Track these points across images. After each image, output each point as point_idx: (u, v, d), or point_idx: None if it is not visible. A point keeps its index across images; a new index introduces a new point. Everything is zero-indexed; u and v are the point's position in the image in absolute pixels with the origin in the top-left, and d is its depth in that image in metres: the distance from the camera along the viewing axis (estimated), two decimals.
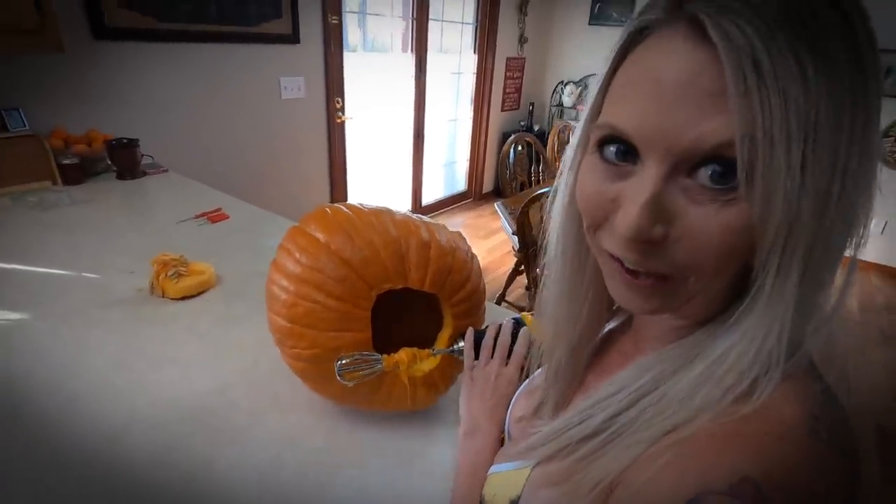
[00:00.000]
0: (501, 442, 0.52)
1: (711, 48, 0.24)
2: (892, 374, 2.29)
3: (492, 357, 0.59)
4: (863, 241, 0.28)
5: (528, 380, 0.53)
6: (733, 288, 0.29)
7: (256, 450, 0.68)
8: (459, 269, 0.68)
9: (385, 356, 0.62)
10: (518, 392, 0.53)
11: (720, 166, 0.25)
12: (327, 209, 0.68)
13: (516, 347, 0.58)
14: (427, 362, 0.67)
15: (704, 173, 0.26)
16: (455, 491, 0.50)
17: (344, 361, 0.58)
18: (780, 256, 0.26)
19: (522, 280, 2.59)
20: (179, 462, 0.65)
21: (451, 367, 0.70)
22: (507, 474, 0.39)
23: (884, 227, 3.18)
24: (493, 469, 0.42)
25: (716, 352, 0.29)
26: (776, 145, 0.24)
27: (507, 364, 0.57)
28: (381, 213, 0.67)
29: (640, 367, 0.34)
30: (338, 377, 0.58)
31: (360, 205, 0.70)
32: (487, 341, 0.60)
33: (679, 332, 0.34)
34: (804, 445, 0.26)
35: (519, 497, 0.37)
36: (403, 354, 0.63)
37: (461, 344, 0.63)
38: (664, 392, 0.31)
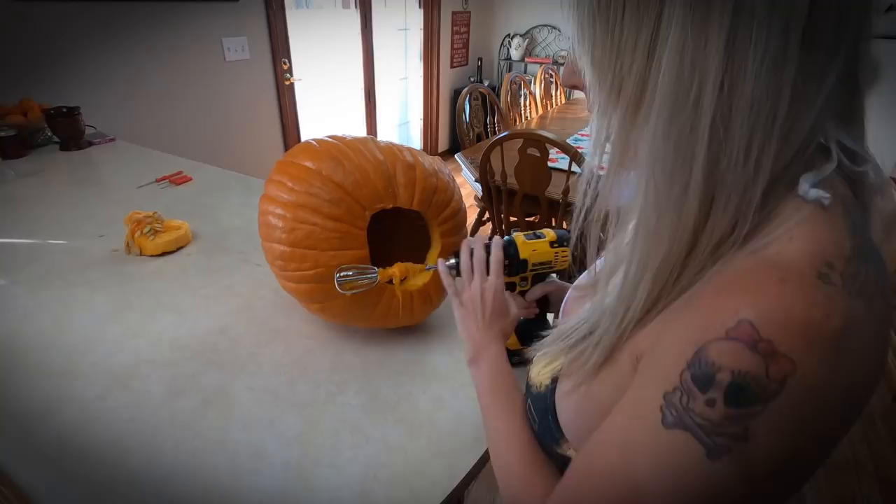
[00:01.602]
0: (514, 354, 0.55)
1: None
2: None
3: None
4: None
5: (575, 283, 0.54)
6: None
7: (268, 375, 0.72)
8: (444, 189, 0.73)
9: (380, 269, 0.67)
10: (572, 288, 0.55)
11: None
12: (313, 141, 0.71)
13: (492, 257, 0.59)
14: (420, 277, 0.73)
15: None
16: (484, 414, 0.51)
17: (342, 273, 0.63)
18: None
19: (485, 231, 2.67)
20: (196, 392, 0.69)
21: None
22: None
23: None
24: (538, 355, 0.46)
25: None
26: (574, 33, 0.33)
27: (488, 275, 0.59)
28: (366, 141, 0.71)
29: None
30: (337, 287, 0.62)
31: (344, 135, 0.72)
32: (464, 264, 0.60)
33: None
34: (808, 287, 0.26)
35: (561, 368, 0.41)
36: (396, 269, 0.68)
37: (452, 260, 0.64)
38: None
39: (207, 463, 0.59)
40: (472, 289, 0.58)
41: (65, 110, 1.59)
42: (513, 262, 0.63)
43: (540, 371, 0.43)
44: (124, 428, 0.63)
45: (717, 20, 0.26)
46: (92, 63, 1.86)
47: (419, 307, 0.74)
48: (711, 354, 0.26)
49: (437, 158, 0.77)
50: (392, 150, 0.71)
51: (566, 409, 0.39)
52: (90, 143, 1.67)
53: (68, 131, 1.60)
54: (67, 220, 1.17)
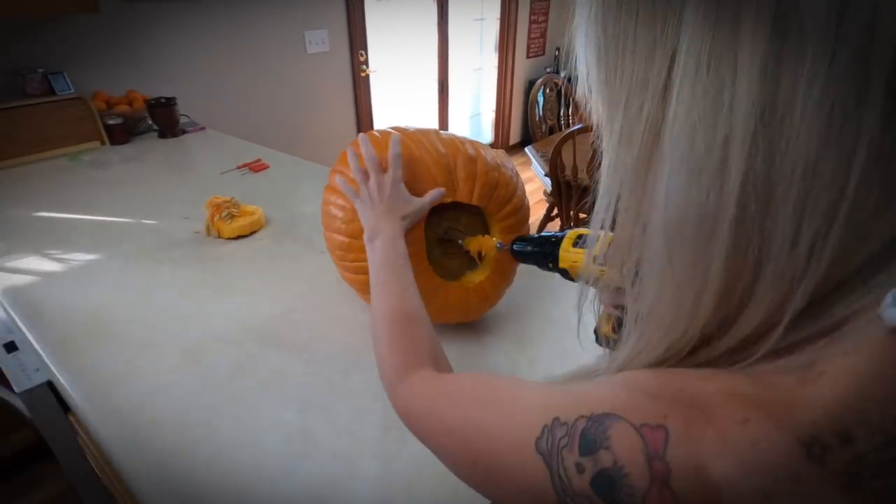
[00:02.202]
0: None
1: None
2: None
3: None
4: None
5: None
6: None
7: (323, 362, 0.74)
8: (506, 184, 0.70)
9: (467, 238, 0.69)
10: None
11: None
12: (376, 132, 0.71)
13: (390, 152, 0.62)
14: (478, 273, 0.70)
15: None
16: (372, 286, 0.53)
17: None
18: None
19: (554, 227, 2.59)
20: (257, 372, 0.72)
21: (500, 279, 0.73)
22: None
23: None
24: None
25: None
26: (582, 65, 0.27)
27: (385, 171, 0.62)
28: (429, 133, 0.69)
29: None
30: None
31: (407, 126, 0.72)
32: (356, 164, 0.63)
33: None
34: (772, 445, 0.18)
35: None
36: (476, 241, 0.68)
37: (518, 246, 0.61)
38: None
39: (262, 442, 0.61)
40: (370, 185, 0.61)
41: (163, 101, 1.73)
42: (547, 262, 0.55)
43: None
44: (191, 400, 0.67)
45: (749, 45, 0.19)
46: (187, 57, 2.02)
47: (475, 304, 0.72)
48: (613, 430, 0.22)
49: (501, 152, 0.74)
50: (454, 142, 0.69)
51: None
52: (184, 132, 1.81)
53: (165, 120, 1.74)
54: (159, 201, 1.27)
